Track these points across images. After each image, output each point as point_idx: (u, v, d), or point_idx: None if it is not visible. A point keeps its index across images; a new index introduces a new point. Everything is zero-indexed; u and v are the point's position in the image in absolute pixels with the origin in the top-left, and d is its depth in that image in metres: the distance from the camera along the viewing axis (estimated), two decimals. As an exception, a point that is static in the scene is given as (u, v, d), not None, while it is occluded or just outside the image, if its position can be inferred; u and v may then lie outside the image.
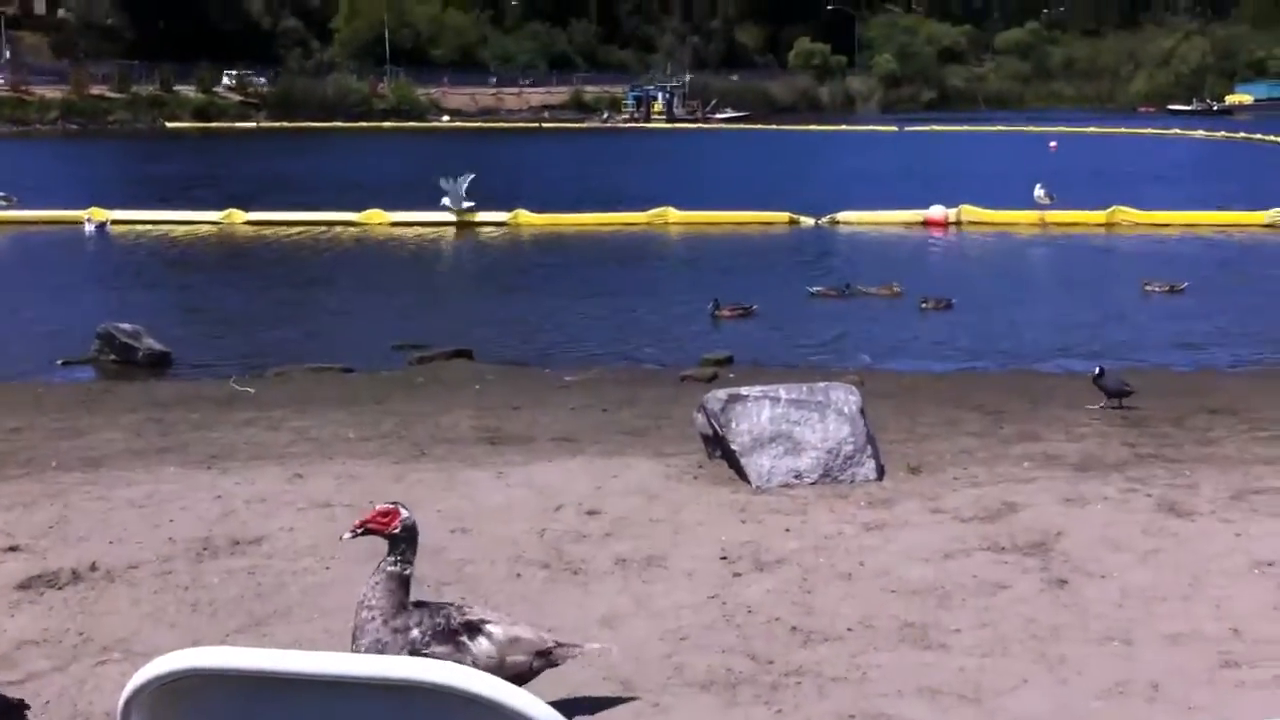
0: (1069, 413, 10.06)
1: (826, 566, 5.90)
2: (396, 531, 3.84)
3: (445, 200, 27.61)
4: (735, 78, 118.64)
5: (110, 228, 26.98)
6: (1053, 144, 55.43)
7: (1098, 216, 27.43)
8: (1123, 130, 72.69)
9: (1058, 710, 4.40)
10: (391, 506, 3.88)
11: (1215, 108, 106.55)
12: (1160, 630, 5.11)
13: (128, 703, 1.86)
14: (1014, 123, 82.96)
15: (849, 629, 5.16)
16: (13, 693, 4.59)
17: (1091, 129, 73.13)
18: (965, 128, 78.13)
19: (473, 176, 27.95)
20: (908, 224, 27.32)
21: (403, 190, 28.68)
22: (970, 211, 27.55)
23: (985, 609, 5.36)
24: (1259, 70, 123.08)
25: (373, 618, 3.81)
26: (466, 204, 27.69)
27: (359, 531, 3.86)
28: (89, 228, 26.50)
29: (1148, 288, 18.22)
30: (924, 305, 16.99)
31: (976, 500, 6.98)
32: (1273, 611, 5.29)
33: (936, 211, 27.25)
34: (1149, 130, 72.42)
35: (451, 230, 27.33)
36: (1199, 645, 4.95)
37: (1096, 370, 10.53)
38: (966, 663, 4.81)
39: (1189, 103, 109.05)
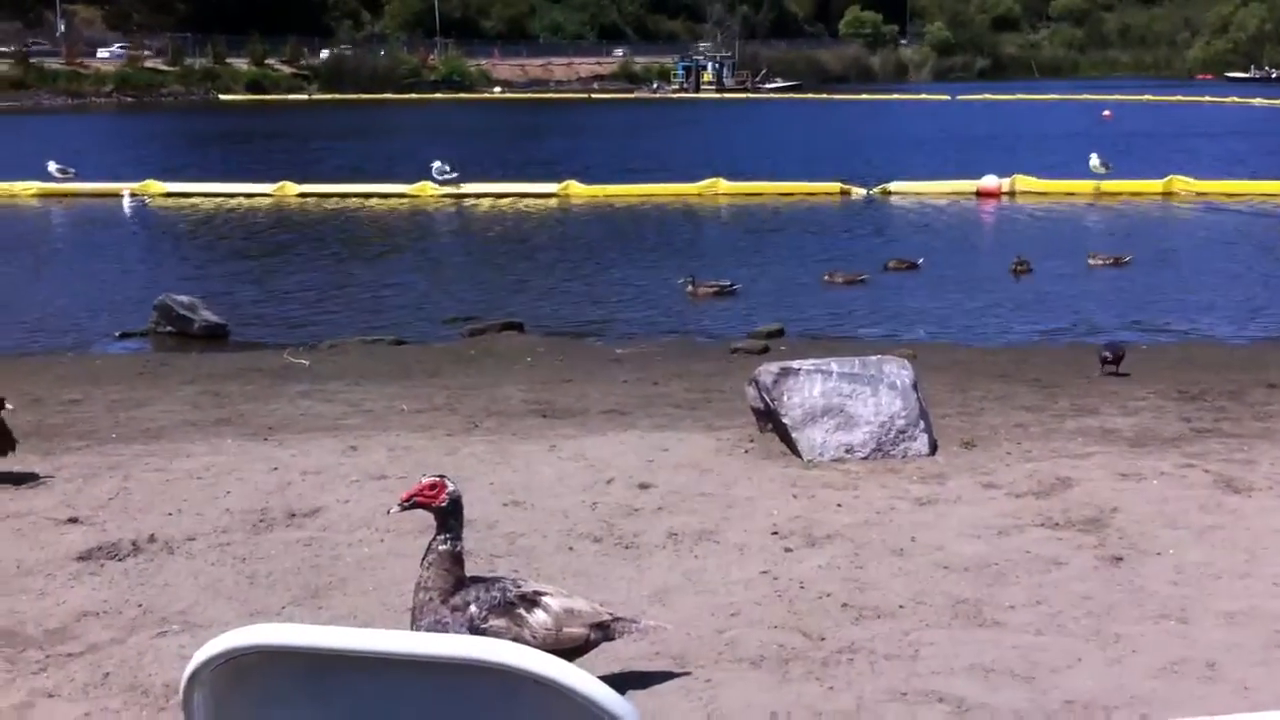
0: (1124, 386, 9.97)
1: (878, 542, 5.89)
2: (444, 505, 3.87)
3: (434, 173, 28.17)
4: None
5: (150, 202, 27.21)
6: (1106, 113, 54.77)
7: (1155, 186, 27.08)
8: (1179, 98, 71.61)
9: (1112, 689, 4.37)
10: (438, 479, 3.90)
11: (1274, 75, 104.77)
12: (1217, 608, 5.06)
13: (191, 678, 1.88)
14: (1068, 91, 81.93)
15: (901, 605, 5.14)
16: (75, 664, 4.68)
17: (1147, 97, 72.14)
18: (1019, 96, 77.27)
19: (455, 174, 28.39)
20: (960, 194, 27.09)
21: (454, 164, 28.71)
22: (1024, 181, 27.27)
23: (1039, 586, 5.33)
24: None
25: (431, 598, 3.85)
26: (450, 175, 28.17)
27: (406, 505, 3.89)
28: (127, 202, 26.69)
29: (1091, 261, 17.88)
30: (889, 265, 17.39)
31: (1030, 475, 6.94)
32: (1332, 590, 5.22)
33: (989, 182, 27.00)
34: (1206, 98, 71.32)
35: (509, 202, 27.38)
36: (1256, 623, 4.90)
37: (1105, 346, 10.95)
38: (1020, 640, 4.79)
39: (1247, 70, 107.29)
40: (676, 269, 17.21)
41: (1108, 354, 10.66)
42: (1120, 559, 5.62)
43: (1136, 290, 16.25)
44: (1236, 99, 70.38)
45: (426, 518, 4.00)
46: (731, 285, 16.08)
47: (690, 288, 15.88)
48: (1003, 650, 4.69)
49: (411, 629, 3.86)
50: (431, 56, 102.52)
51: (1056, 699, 4.30)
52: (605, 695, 1.72)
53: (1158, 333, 13.59)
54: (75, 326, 14.44)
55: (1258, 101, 67.57)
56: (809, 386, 7.56)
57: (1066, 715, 4.17)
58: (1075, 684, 4.41)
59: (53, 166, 28.99)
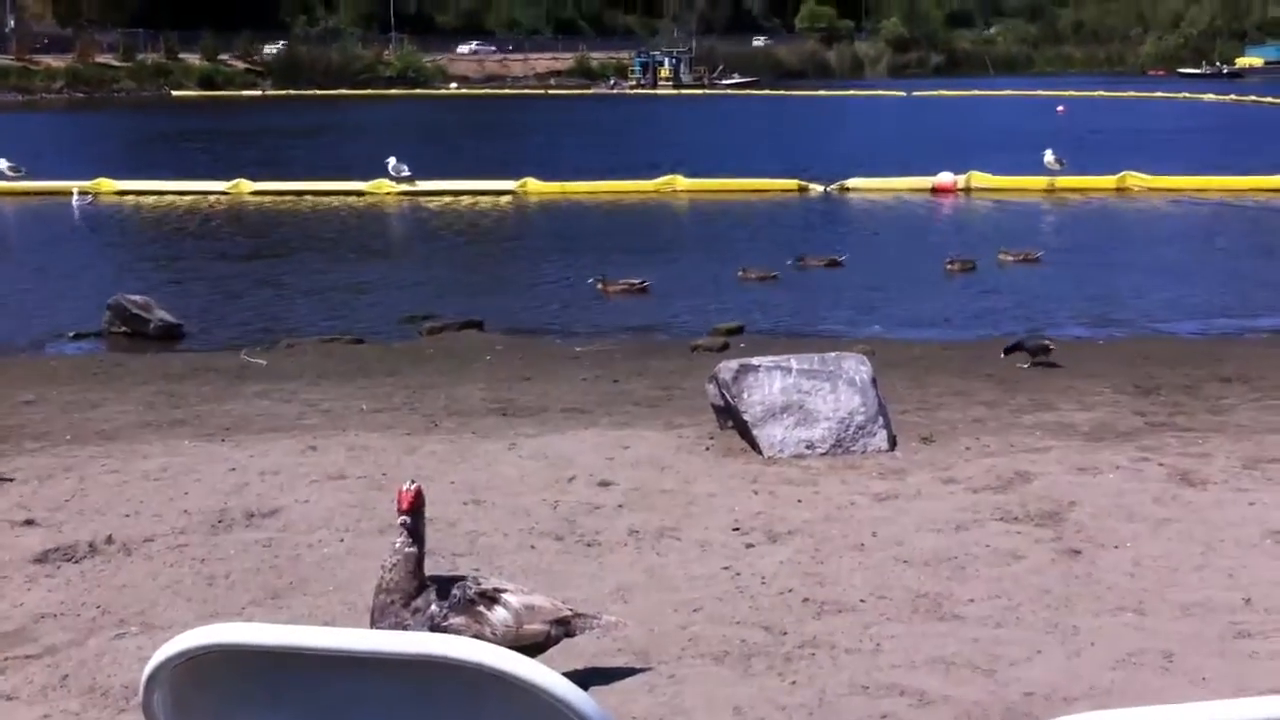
0: (1081, 381, 10.06)
1: (839, 537, 5.91)
2: (421, 506, 3.90)
3: (390, 170, 28.00)
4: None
5: (94, 201, 26.70)
6: (1060, 108, 55.22)
7: (1108, 181, 27.31)
8: (1132, 94, 72.30)
9: (1071, 680, 4.41)
10: (414, 485, 3.90)
11: (1225, 70, 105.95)
12: (1173, 600, 5.12)
13: (150, 679, 1.87)
14: (1023, 87, 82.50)
15: (862, 600, 5.17)
16: (32, 666, 4.63)
17: (1100, 93, 72.75)
18: (974, 92, 77.74)
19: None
20: (917, 191, 27.23)
21: (412, 162, 28.61)
22: (979, 178, 27.43)
23: (998, 579, 5.37)
24: (1269, 32, 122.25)
25: (392, 601, 3.84)
26: (405, 173, 28.11)
27: (409, 521, 3.87)
28: (76, 201, 26.18)
29: (1002, 257, 17.90)
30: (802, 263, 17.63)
31: (989, 470, 6.99)
32: (1286, 581, 5.29)
33: (945, 178, 27.14)
34: (1158, 94, 72.05)
35: (466, 200, 27.31)
36: (1213, 615, 4.96)
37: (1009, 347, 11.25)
38: (980, 633, 4.82)
39: (1199, 66, 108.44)
40: (635, 266, 17.22)
41: (1048, 343, 11.08)
42: (1078, 552, 5.67)
43: (1089, 285, 16.39)
44: (1188, 94, 71.10)
45: (387, 518, 4.00)
46: (642, 283, 16.09)
47: (601, 286, 15.93)
48: (963, 643, 4.72)
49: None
50: (387, 52, 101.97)
51: (1016, 691, 4.33)
52: (568, 691, 1.72)
53: (1112, 327, 13.71)
54: (28, 327, 14.26)
55: (1209, 97, 68.31)
56: (769, 383, 7.58)
57: (1026, 707, 4.21)
58: (1034, 676, 4.45)
59: (3, 164, 28.62)
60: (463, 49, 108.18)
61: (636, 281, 16.07)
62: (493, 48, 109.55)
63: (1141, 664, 4.54)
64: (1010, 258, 17.86)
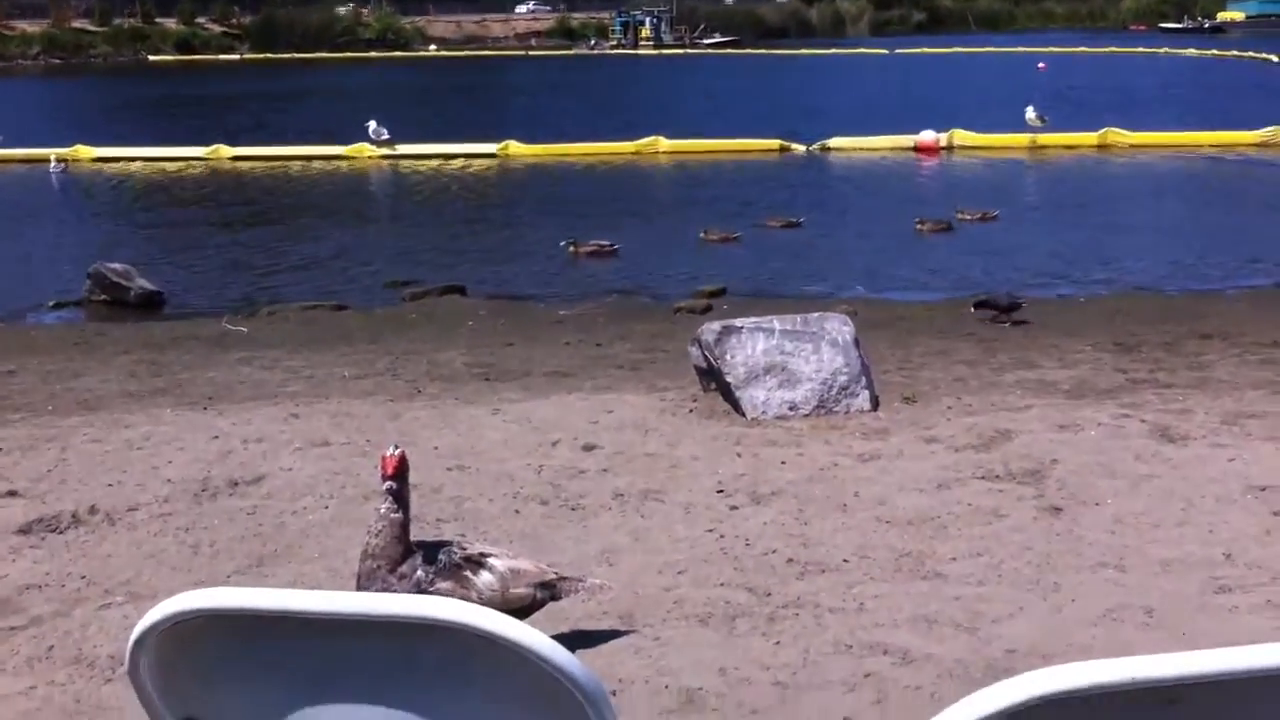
0: (1062, 340, 10.09)
1: (822, 498, 5.94)
2: (406, 471, 3.90)
3: (370, 134, 27.85)
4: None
5: (67, 169, 26.43)
6: (1041, 65, 55.11)
7: (1090, 138, 27.30)
8: (1113, 50, 72.13)
9: (1052, 637, 4.45)
10: (398, 450, 3.90)
11: (1207, 25, 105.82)
12: (1153, 556, 5.16)
13: (135, 645, 1.87)
14: (1005, 44, 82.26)
15: (845, 560, 5.20)
16: (18, 638, 4.64)
17: (1082, 49, 72.59)
18: (956, 49, 77.48)
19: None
20: (899, 149, 27.18)
21: (392, 126, 28.45)
22: (961, 136, 27.38)
23: (980, 537, 5.40)
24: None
25: (378, 566, 3.85)
26: (385, 137, 27.97)
27: (394, 487, 3.87)
28: (53, 168, 25.91)
29: (960, 216, 17.81)
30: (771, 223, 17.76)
31: (971, 429, 7.01)
32: (1265, 536, 5.34)
33: (927, 136, 27.08)
34: (1140, 49, 71.88)
35: (448, 163, 27.19)
36: (1192, 570, 5.00)
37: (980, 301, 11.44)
38: (962, 591, 4.86)
39: (1180, 20, 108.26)
40: (617, 228, 17.19)
41: (1019, 299, 11.33)
42: (1059, 509, 5.71)
43: (1069, 242, 16.40)
44: (1169, 49, 70.95)
45: (371, 484, 4.00)
46: (611, 245, 16.15)
47: (571, 248, 16.00)
48: (945, 601, 4.76)
49: (356, 594, 3.85)
50: (365, 12, 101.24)
51: (998, 648, 4.37)
52: (555, 652, 1.72)
53: (1094, 284, 13.73)
54: (7, 297, 14.18)
55: (1190, 52, 68.15)
56: (751, 344, 7.59)
57: (1008, 663, 4.24)
58: (1016, 633, 4.49)
59: (-21, 133, 28.46)
60: (521, 9, 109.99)
61: (605, 244, 16.12)
62: (548, 6, 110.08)
63: (1122, 619, 4.58)
64: (968, 216, 17.81)
